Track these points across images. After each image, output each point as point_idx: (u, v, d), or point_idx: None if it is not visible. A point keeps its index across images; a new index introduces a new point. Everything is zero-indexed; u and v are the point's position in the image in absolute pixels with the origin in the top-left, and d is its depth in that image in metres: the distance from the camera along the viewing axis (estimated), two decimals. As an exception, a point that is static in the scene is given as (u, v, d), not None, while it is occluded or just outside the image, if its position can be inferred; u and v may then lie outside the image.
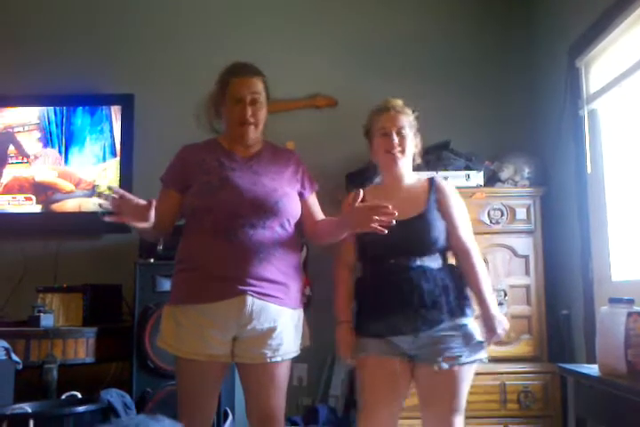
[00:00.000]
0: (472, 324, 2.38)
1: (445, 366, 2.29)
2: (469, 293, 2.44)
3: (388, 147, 2.44)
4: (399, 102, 2.50)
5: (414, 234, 2.37)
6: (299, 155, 2.53)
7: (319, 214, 2.48)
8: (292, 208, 2.34)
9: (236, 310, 2.22)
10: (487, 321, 2.38)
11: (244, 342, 2.27)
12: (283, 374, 2.33)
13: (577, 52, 3.45)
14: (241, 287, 2.21)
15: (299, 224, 2.41)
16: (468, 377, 2.35)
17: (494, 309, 2.40)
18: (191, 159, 2.39)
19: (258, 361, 2.28)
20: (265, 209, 2.26)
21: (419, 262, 2.36)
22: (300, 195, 2.42)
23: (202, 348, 2.23)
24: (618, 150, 3.22)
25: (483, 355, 2.37)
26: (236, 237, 2.23)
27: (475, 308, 2.44)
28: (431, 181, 2.51)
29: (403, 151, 2.44)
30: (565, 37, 3.57)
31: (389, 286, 2.36)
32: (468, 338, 2.33)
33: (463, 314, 2.37)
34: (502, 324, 2.38)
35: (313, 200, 2.47)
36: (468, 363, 2.33)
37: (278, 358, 2.28)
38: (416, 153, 2.54)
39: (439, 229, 2.41)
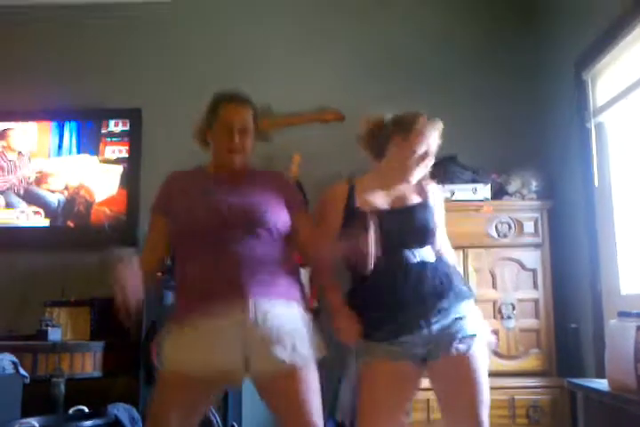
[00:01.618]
0: (473, 310, 2.38)
1: (463, 347, 2.27)
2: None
3: (412, 159, 2.42)
4: (425, 120, 2.46)
5: (418, 222, 2.39)
6: (285, 175, 2.56)
7: (307, 233, 2.41)
8: (278, 218, 2.31)
9: (240, 317, 2.17)
10: None
11: (255, 351, 2.18)
12: (311, 380, 2.23)
13: (584, 65, 3.45)
14: (240, 296, 2.18)
15: (290, 239, 2.38)
16: (483, 362, 2.32)
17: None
18: (176, 185, 2.40)
19: (275, 367, 2.17)
20: (252, 219, 2.25)
21: (418, 255, 2.35)
22: (289, 211, 2.38)
23: (210, 362, 2.17)
24: (625, 163, 3.21)
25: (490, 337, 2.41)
26: (227, 249, 2.22)
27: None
28: (426, 183, 2.52)
29: (424, 164, 2.44)
30: (572, 50, 3.58)
31: (390, 286, 2.32)
32: (470, 328, 2.33)
33: (466, 297, 2.36)
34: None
35: (302, 216, 2.42)
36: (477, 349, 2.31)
37: (297, 359, 2.19)
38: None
39: (434, 221, 2.43)
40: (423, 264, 2.34)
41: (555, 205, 3.70)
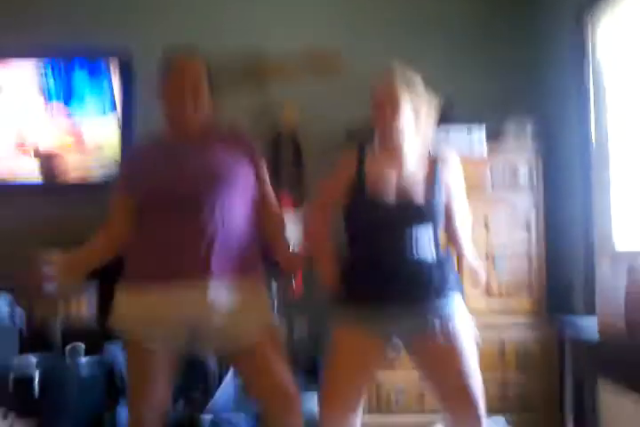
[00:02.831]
0: (457, 299, 2.34)
1: (438, 322, 2.24)
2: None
3: (379, 119, 2.35)
4: (399, 74, 2.37)
5: (419, 195, 2.30)
6: (248, 136, 2.42)
7: (271, 199, 2.39)
8: (244, 178, 2.27)
9: (197, 291, 2.16)
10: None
11: (209, 326, 2.19)
12: (270, 345, 2.26)
13: (583, 11, 3.37)
14: (201, 266, 2.16)
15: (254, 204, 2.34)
16: (469, 343, 2.29)
17: (473, 261, 2.41)
18: (136, 162, 2.34)
19: (232, 342, 2.20)
20: (216, 187, 2.20)
21: (415, 232, 2.28)
22: (254, 177, 2.33)
23: (159, 331, 2.17)
24: (624, 109, 3.17)
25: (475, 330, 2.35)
26: (190, 217, 2.17)
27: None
28: (436, 154, 2.41)
29: (396, 124, 2.32)
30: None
31: (384, 257, 2.29)
32: (456, 314, 2.30)
33: (455, 290, 2.33)
34: (479, 275, 2.41)
35: (264, 179, 2.37)
36: (461, 325, 2.28)
37: (252, 326, 2.22)
38: (425, 123, 2.39)
39: (441, 196, 2.34)
40: (420, 245, 2.28)
41: (550, 148, 3.68)
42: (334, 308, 2.35)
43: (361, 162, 2.35)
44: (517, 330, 3.56)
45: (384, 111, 2.31)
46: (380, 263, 2.28)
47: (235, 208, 2.23)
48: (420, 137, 2.37)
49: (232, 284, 2.20)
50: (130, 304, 2.21)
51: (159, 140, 2.36)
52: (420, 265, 2.27)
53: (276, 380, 2.23)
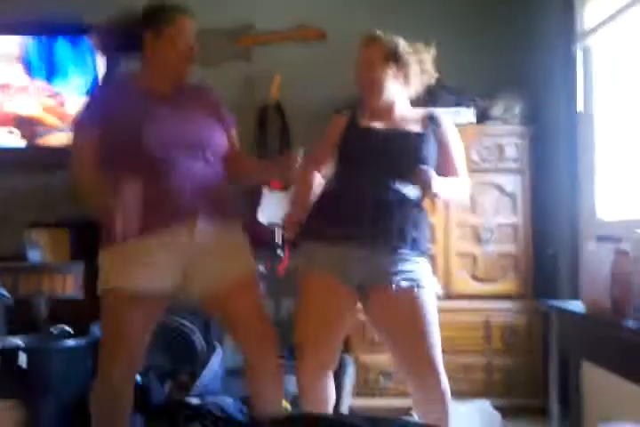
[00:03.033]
0: (425, 265, 2.35)
1: (404, 284, 2.23)
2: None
3: (362, 79, 2.41)
4: (377, 34, 2.42)
5: (407, 147, 2.34)
6: (213, 91, 2.52)
7: (239, 149, 2.51)
8: (218, 139, 2.35)
9: (184, 236, 2.22)
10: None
11: (197, 270, 2.25)
12: (252, 286, 2.39)
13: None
14: (183, 215, 2.23)
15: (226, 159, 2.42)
16: (431, 302, 2.28)
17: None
18: (110, 99, 2.35)
19: (219, 283, 2.27)
20: (195, 143, 2.28)
21: (398, 185, 2.30)
22: (225, 131, 2.41)
23: (149, 280, 2.20)
24: (610, 90, 3.17)
25: (438, 288, 2.37)
26: (169, 168, 2.22)
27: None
28: (429, 112, 2.47)
29: (375, 86, 2.38)
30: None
31: (362, 202, 2.29)
32: (422, 273, 2.32)
33: (422, 252, 2.34)
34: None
35: (233, 134, 2.47)
36: (425, 288, 2.28)
37: (237, 271, 2.31)
38: (414, 82, 2.43)
39: (431, 154, 2.37)
40: (400, 197, 2.30)
41: (537, 131, 3.68)
42: (303, 249, 2.39)
43: (352, 119, 2.43)
44: (503, 314, 3.57)
45: (366, 74, 2.38)
46: (358, 198, 2.30)
47: (209, 166, 2.32)
48: (410, 94, 2.44)
49: (217, 227, 2.29)
50: (115, 259, 2.23)
51: (134, 84, 2.38)
52: (396, 209, 2.28)
53: (258, 323, 2.34)
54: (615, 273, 2.09)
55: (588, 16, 3.30)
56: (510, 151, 3.65)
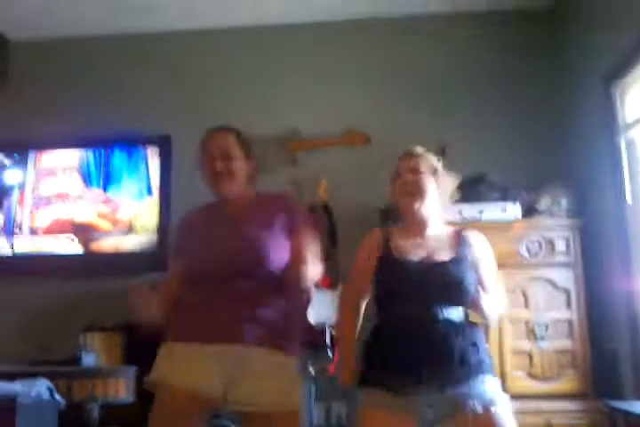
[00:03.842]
0: (494, 383, 2.26)
1: (479, 408, 2.15)
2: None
3: (402, 187, 2.38)
4: (420, 150, 2.44)
5: (449, 277, 2.27)
6: (290, 197, 2.50)
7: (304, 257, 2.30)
8: (275, 256, 2.27)
9: (230, 355, 2.19)
10: None
11: (237, 386, 2.19)
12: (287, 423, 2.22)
13: (611, 78, 3.42)
14: (233, 334, 2.20)
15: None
16: (508, 419, 2.19)
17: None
18: (187, 227, 2.45)
19: (253, 408, 2.18)
20: (251, 263, 2.25)
21: (445, 314, 2.24)
22: (288, 234, 2.34)
23: (196, 382, 2.17)
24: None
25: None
26: (226, 289, 2.23)
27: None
28: (459, 232, 2.41)
29: (420, 192, 2.36)
30: (598, 63, 3.56)
31: (413, 338, 2.23)
32: (493, 392, 2.22)
33: (487, 371, 2.25)
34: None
35: (298, 241, 2.33)
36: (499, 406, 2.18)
37: (279, 408, 2.18)
38: (444, 199, 2.43)
39: (472, 278, 2.31)
40: (450, 325, 2.23)
41: (586, 223, 3.65)
42: (361, 391, 2.28)
43: (386, 240, 2.37)
44: (565, 415, 3.41)
45: (411, 178, 2.36)
46: (409, 334, 2.23)
47: (263, 283, 2.26)
48: (439, 212, 2.41)
49: (263, 356, 2.21)
50: (170, 359, 2.23)
51: (209, 206, 2.45)
52: (452, 338, 2.21)
53: None
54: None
55: (629, 107, 3.35)
56: (560, 244, 3.61)
